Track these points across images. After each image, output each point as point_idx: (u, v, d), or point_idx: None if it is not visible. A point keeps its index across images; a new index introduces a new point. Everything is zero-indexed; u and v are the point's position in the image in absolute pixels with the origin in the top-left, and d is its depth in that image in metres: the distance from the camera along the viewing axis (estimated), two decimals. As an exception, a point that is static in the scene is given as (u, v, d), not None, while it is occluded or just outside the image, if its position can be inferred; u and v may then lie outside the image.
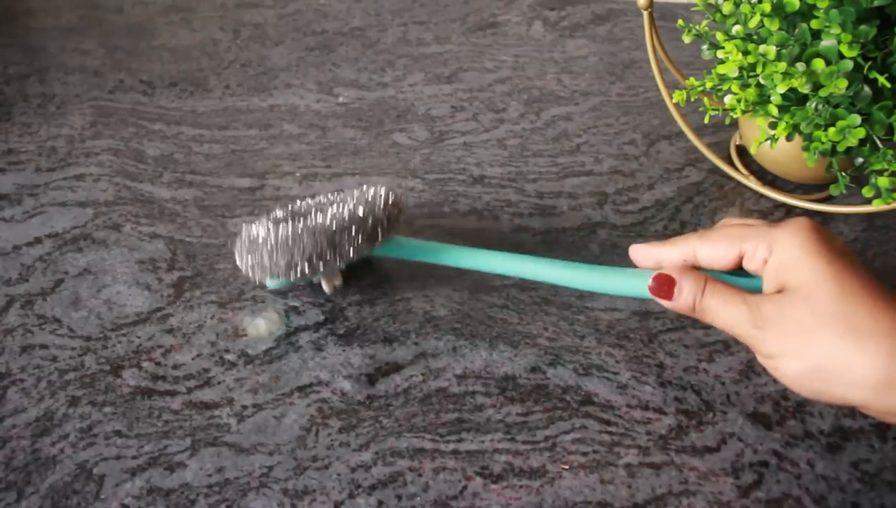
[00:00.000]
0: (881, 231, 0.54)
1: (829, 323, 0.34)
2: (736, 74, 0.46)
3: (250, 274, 0.45)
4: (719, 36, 0.48)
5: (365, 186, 0.48)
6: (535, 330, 0.47)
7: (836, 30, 0.43)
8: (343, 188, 0.58)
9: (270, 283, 0.48)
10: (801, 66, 0.44)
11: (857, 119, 0.44)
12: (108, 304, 0.49)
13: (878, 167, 0.46)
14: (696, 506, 0.39)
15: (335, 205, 0.48)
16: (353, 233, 0.42)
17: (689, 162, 0.60)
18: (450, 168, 0.60)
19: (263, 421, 0.43)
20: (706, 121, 0.52)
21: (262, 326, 0.48)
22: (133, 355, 0.46)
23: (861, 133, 0.45)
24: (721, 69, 0.47)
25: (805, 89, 0.44)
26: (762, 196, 0.57)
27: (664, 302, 0.39)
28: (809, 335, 0.34)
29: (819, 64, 0.44)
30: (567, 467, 0.41)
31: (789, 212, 0.56)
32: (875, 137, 0.46)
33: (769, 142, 0.48)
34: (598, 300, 0.49)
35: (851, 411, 0.43)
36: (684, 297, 0.38)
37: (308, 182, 0.58)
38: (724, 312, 0.37)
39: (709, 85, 0.49)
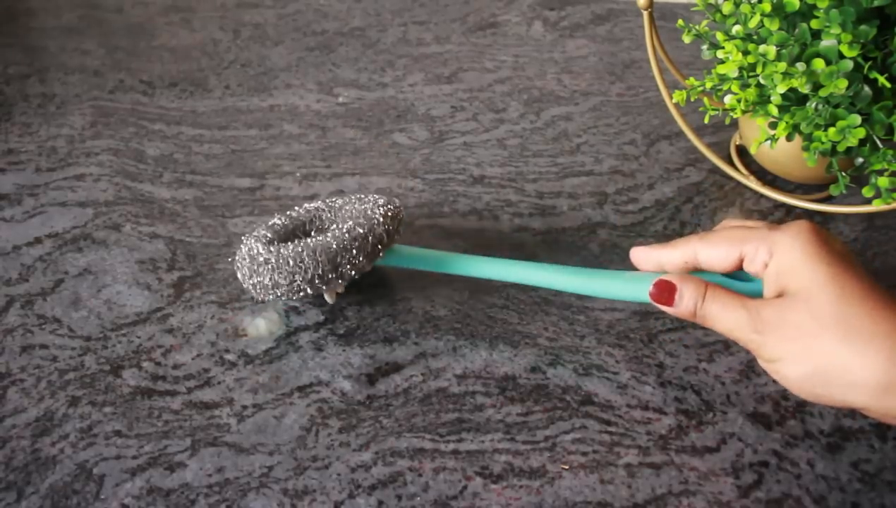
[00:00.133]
0: (881, 231, 0.54)
1: (829, 327, 0.34)
2: (736, 74, 0.47)
3: (252, 293, 0.45)
4: (719, 36, 0.48)
5: (364, 195, 0.48)
6: (535, 330, 0.48)
7: (836, 30, 0.43)
8: (343, 189, 0.58)
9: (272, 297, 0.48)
10: (801, 66, 0.44)
11: (857, 119, 0.44)
12: (108, 304, 0.49)
13: (878, 167, 0.46)
14: (696, 506, 0.39)
15: (333, 211, 0.48)
16: (355, 254, 0.43)
17: (689, 162, 0.60)
18: (450, 168, 0.60)
19: (263, 421, 0.43)
20: (706, 121, 0.52)
21: (262, 326, 0.48)
22: (133, 355, 0.46)
23: (861, 133, 0.45)
24: (721, 69, 0.47)
25: (805, 89, 0.44)
26: (762, 196, 0.57)
27: (665, 308, 0.40)
28: (810, 339, 0.35)
29: (819, 64, 0.44)
30: (567, 467, 0.41)
31: (789, 212, 0.56)
32: (875, 137, 0.46)
33: (769, 142, 0.48)
34: (597, 300, 0.49)
35: (851, 411, 0.43)
36: (685, 304, 0.39)
37: (308, 182, 0.58)
38: (725, 317, 0.38)
39: (709, 85, 0.49)
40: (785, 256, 0.36)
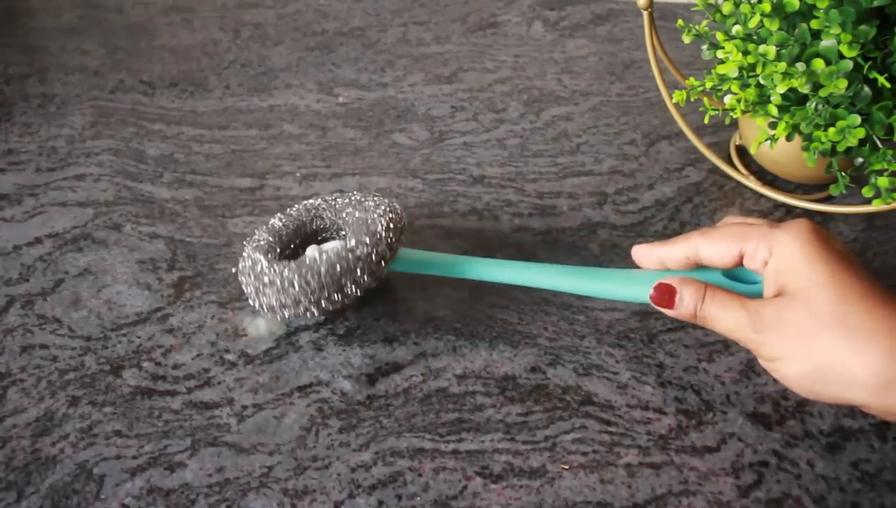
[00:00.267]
0: (881, 231, 0.54)
1: (828, 325, 0.34)
2: (736, 74, 0.47)
3: (260, 311, 0.45)
4: (719, 36, 0.48)
5: (365, 196, 0.48)
6: (535, 330, 0.48)
7: (835, 30, 0.43)
8: (343, 189, 0.58)
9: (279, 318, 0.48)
10: (801, 66, 0.44)
11: (857, 119, 0.44)
12: (108, 304, 0.49)
13: (877, 167, 0.46)
14: (696, 506, 0.39)
15: (334, 211, 0.48)
16: (359, 274, 0.43)
17: (689, 162, 0.60)
18: (450, 168, 0.60)
19: (263, 421, 0.43)
20: (706, 121, 0.52)
21: (262, 326, 0.48)
22: (133, 355, 0.46)
23: (861, 133, 0.45)
24: (721, 69, 0.47)
25: (805, 89, 0.44)
26: (762, 196, 0.57)
27: (666, 311, 0.40)
28: (809, 337, 0.35)
29: (819, 64, 0.44)
30: (567, 467, 0.41)
31: (789, 211, 0.56)
32: (875, 137, 0.46)
33: (769, 142, 0.48)
34: (597, 300, 0.49)
35: (851, 411, 0.43)
36: (685, 306, 0.39)
37: (308, 182, 0.58)
38: (725, 318, 0.38)
39: (709, 85, 0.49)
40: (785, 255, 0.37)
